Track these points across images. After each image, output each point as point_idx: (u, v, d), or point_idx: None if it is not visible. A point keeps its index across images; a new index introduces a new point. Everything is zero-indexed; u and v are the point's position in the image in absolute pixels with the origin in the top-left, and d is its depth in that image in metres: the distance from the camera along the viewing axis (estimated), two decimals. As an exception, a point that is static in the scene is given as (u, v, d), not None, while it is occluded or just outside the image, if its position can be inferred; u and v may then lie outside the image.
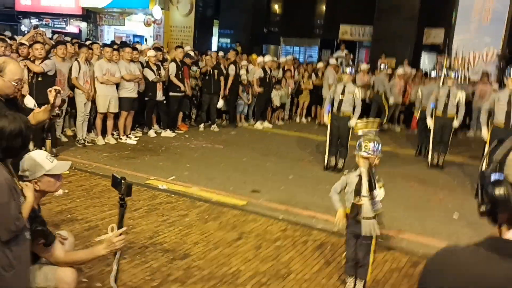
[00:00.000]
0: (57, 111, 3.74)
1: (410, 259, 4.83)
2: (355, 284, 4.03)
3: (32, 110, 3.71)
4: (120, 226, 2.86)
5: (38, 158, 2.76)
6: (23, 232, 2.57)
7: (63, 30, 22.12)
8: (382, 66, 12.56)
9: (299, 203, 6.34)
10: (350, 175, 3.95)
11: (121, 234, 2.85)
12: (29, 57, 8.05)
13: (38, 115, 3.59)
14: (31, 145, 7.67)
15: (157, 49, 10.57)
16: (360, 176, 3.87)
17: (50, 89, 3.54)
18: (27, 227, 2.62)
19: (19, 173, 2.80)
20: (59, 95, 3.55)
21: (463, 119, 9.33)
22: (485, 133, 7.26)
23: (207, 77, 10.75)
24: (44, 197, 2.94)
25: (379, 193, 3.86)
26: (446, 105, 8.69)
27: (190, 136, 10.19)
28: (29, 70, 7.64)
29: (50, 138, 4.10)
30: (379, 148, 3.88)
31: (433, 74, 10.42)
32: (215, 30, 21.97)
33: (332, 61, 13.02)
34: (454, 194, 7.37)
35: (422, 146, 9.92)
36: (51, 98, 3.50)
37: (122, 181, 2.79)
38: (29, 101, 7.26)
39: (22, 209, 2.56)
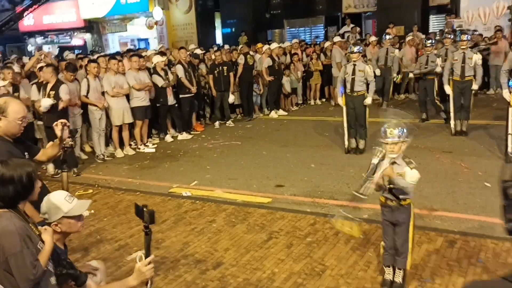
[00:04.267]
0: (70, 142, 3.70)
1: (446, 238, 4.71)
2: (394, 274, 3.93)
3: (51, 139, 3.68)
4: (147, 254, 2.81)
5: (56, 200, 2.72)
6: (46, 278, 2.55)
7: (68, 44, 22.30)
8: (387, 36, 12.04)
9: (325, 193, 6.25)
10: (382, 162, 3.79)
11: (150, 263, 2.80)
12: (39, 80, 8.10)
13: (48, 151, 3.56)
14: (51, 168, 7.72)
15: (161, 53, 10.51)
16: (392, 162, 3.73)
17: (56, 122, 3.50)
18: (51, 271, 2.60)
19: (40, 215, 2.78)
20: (66, 127, 3.51)
21: (482, 78, 9.10)
22: (507, 95, 7.01)
23: (216, 74, 10.64)
24: (68, 237, 2.91)
25: (411, 174, 3.69)
26: (463, 69, 8.45)
27: (207, 136, 10.14)
28: (39, 90, 7.70)
29: (66, 170, 4.05)
30: (405, 132, 3.73)
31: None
32: (218, 23, 21.78)
33: (337, 38, 12.73)
34: (482, 160, 7.18)
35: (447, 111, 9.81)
36: (58, 132, 3.46)
37: (144, 209, 2.73)
38: (45, 102, 7.30)
39: (40, 255, 2.53)
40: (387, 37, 11.89)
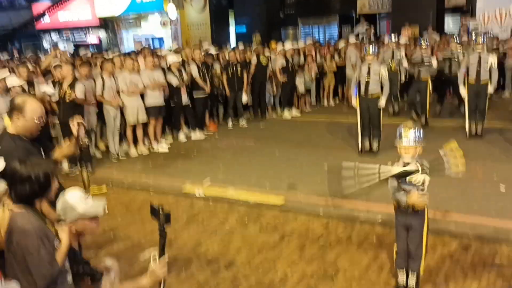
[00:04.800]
0: (86, 142, 3.75)
1: (461, 243, 4.68)
2: (407, 278, 3.92)
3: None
4: (161, 255, 2.83)
5: (72, 200, 2.73)
6: (63, 276, 2.58)
7: (84, 42, 22.50)
8: (392, 38, 11.64)
9: (338, 195, 6.22)
10: (393, 168, 3.80)
11: (164, 264, 2.82)
12: (54, 79, 8.20)
13: (64, 149, 3.61)
14: (66, 165, 7.79)
15: (176, 53, 10.56)
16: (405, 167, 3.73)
17: (73, 122, 3.54)
18: (66, 270, 2.63)
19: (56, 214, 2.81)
20: (82, 126, 3.55)
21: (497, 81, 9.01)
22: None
23: (230, 74, 10.67)
24: (83, 237, 2.94)
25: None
26: (478, 72, 8.36)
27: (220, 136, 10.17)
28: (51, 85, 7.79)
29: (86, 169, 4.11)
30: (421, 135, 3.74)
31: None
32: (231, 21, 21.83)
33: (352, 39, 12.65)
34: (498, 164, 7.10)
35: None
36: (74, 131, 3.50)
37: (160, 211, 2.75)
38: (47, 89, 7.39)
39: (56, 253, 2.56)
40: (392, 38, 11.71)
